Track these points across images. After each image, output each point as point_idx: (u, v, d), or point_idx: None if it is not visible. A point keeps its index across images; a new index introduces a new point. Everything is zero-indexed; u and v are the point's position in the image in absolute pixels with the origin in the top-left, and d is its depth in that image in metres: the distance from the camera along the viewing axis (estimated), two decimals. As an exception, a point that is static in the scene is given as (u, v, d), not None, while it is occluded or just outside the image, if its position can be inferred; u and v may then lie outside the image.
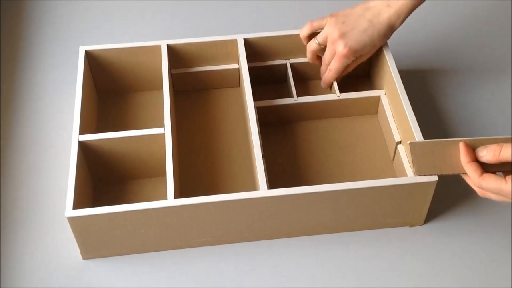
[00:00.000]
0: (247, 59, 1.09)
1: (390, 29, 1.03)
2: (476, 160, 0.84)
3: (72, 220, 0.89)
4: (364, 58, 1.07)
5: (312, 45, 1.08)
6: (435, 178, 0.92)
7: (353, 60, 1.05)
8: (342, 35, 1.02)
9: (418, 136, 0.96)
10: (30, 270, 0.96)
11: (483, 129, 1.12)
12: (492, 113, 1.15)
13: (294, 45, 1.13)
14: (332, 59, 1.06)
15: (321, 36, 1.06)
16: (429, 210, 0.98)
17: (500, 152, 0.80)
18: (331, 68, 1.06)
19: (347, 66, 1.07)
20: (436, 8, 1.34)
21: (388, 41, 1.10)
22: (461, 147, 0.85)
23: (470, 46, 1.26)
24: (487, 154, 0.82)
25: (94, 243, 0.94)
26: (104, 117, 1.12)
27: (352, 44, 1.02)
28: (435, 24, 1.32)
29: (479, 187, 0.83)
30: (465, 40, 1.27)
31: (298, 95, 1.10)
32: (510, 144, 0.81)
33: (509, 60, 1.23)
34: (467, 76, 1.21)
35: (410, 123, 0.98)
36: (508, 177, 0.80)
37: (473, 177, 0.83)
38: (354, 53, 1.03)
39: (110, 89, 1.15)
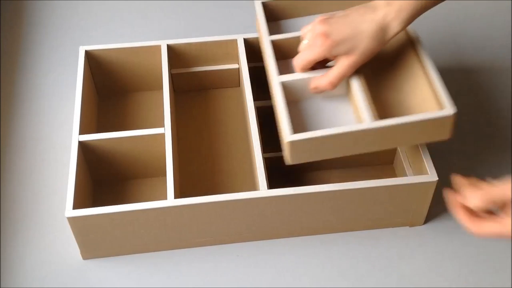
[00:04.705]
0: (247, 59, 1.08)
1: (382, 30, 0.86)
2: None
3: (72, 220, 0.89)
4: (351, 63, 0.88)
5: (301, 46, 0.92)
6: (435, 178, 0.92)
7: (330, 61, 0.91)
8: (325, 21, 0.87)
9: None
10: (30, 270, 0.96)
11: (482, 129, 1.12)
12: (492, 114, 1.15)
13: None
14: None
15: (306, 29, 0.92)
16: (429, 210, 0.98)
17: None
18: (296, 57, 0.91)
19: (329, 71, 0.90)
20: (435, 8, 1.34)
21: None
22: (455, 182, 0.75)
23: (470, 46, 1.26)
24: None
25: (94, 243, 0.94)
26: (104, 117, 1.12)
27: (329, 29, 0.86)
28: (435, 24, 1.32)
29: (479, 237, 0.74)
30: (465, 40, 1.27)
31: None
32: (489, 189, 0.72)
33: (509, 60, 1.23)
34: (467, 76, 1.21)
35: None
36: (501, 218, 0.71)
37: (470, 228, 0.73)
38: (328, 39, 0.86)
39: (110, 89, 1.15)
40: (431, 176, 0.92)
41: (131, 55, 1.10)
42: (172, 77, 1.12)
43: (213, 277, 0.95)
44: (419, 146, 0.95)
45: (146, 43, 1.09)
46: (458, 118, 1.14)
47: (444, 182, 1.02)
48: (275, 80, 0.92)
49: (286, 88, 0.92)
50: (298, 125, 0.90)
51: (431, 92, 0.91)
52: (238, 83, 1.16)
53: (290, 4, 1.05)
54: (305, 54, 0.89)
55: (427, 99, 0.90)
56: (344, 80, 0.90)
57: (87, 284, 0.95)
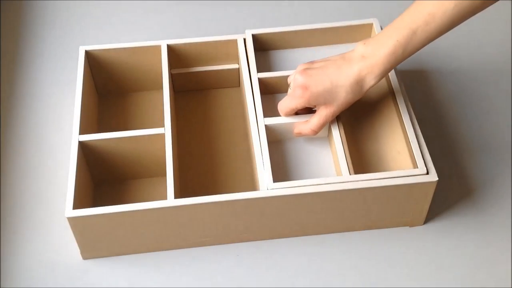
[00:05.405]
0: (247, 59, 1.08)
1: (358, 84, 0.90)
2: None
3: (72, 220, 0.89)
4: (330, 113, 0.93)
5: (288, 91, 0.99)
6: (435, 178, 0.92)
7: (311, 109, 0.97)
8: (305, 73, 0.92)
9: (414, 140, 0.95)
10: (30, 270, 0.96)
11: (482, 130, 1.12)
12: (492, 114, 1.15)
13: (294, 45, 1.13)
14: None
15: (290, 78, 0.97)
16: (429, 210, 0.98)
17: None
18: (279, 103, 0.97)
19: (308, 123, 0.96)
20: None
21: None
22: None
23: (470, 47, 1.26)
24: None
25: (94, 243, 0.94)
26: (104, 117, 1.12)
27: (309, 82, 0.91)
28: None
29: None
30: (465, 40, 1.27)
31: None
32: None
33: (509, 60, 1.23)
34: (467, 76, 1.21)
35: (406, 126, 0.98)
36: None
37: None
38: (307, 92, 0.91)
39: (110, 89, 1.15)
40: (431, 176, 0.92)
41: (131, 55, 1.10)
42: (172, 77, 1.12)
43: (213, 277, 0.95)
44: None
45: (146, 43, 1.09)
46: (458, 118, 1.15)
47: (444, 182, 1.03)
48: (261, 122, 0.98)
49: (270, 130, 0.98)
50: (278, 168, 0.97)
51: (406, 145, 0.97)
52: (238, 83, 1.16)
53: (279, 36, 1.10)
54: (287, 103, 0.96)
55: (402, 152, 0.97)
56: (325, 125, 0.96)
57: (87, 284, 0.95)
